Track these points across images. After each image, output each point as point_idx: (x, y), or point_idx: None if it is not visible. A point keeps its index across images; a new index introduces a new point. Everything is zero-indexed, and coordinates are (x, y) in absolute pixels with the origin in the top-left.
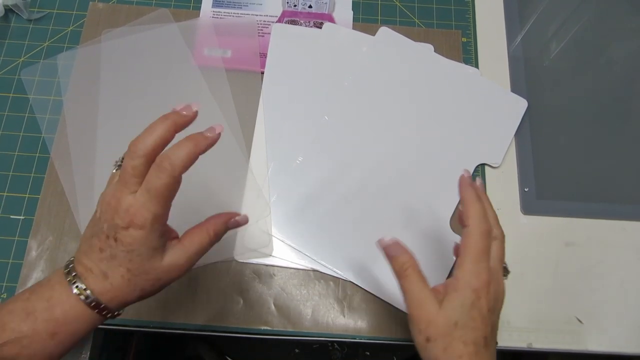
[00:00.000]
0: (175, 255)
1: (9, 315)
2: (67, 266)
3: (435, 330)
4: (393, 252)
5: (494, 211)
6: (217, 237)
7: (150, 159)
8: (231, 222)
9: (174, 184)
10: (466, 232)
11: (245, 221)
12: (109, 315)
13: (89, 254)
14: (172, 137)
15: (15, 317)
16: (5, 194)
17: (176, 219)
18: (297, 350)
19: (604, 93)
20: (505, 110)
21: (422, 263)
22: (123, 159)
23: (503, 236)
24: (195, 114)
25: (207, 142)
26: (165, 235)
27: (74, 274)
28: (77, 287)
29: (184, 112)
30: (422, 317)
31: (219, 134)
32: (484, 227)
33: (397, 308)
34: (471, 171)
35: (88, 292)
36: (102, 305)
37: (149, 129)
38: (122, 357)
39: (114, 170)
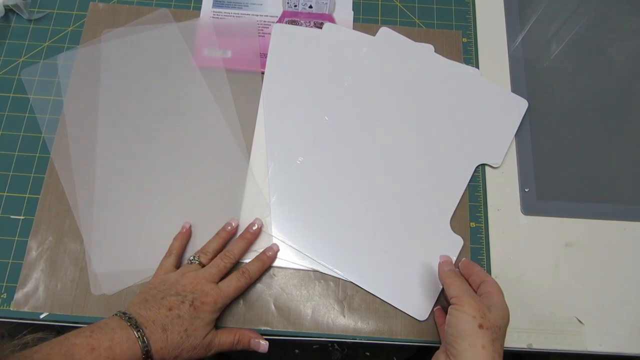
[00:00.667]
0: (209, 340)
1: (74, 347)
2: (123, 316)
3: (489, 322)
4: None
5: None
6: (237, 345)
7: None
8: (253, 343)
9: (244, 285)
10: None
11: (265, 350)
12: None
13: (152, 309)
14: None
15: (80, 349)
16: (5, 194)
17: (176, 218)
18: (297, 351)
19: (604, 93)
20: (505, 110)
21: (422, 263)
22: (195, 256)
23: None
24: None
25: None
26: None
27: (135, 322)
28: (138, 331)
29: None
30: (475, 305)
31: (277, 252)
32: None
33: (397, 309)
34: (472, 171)
35: (146, 339)
36: (150, 354)
37: (238, 241)
38: None
39: (190, 262)
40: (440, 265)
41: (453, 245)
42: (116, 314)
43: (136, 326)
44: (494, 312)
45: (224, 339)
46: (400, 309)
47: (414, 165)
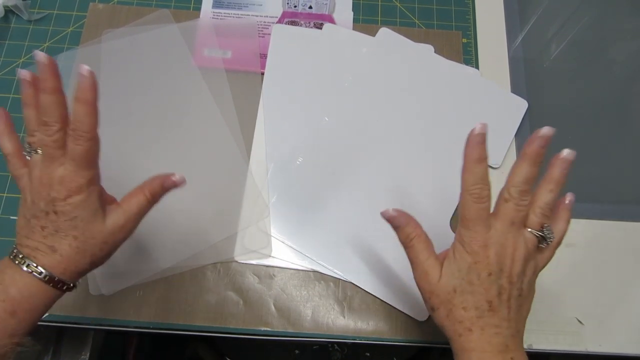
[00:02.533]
0: (115, 217)
1: None
2: (11, 252)
3: (437, 300)
4: (398, 223)
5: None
6: (154, 198)
7: (65, 127)
8: (167, 183)
9: (94, 145)
10: (460, 195)
11: (181, 181)
12: (65, 287)
13: (31, 236)
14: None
15: None
16: (5, 194)
17: (177, 219)
18: (297, 352)
19: (603, 94)
20: (505, 111)
21: None
22: (29, 144)
23: (520, 196)
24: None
25: (94, 93)
26: (103, 199)
27: (20, 256)
28: (27, 265)
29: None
30: (426, 287)
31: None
32: (475, 190)
33: (397, 309)
34: None
35: (40, 268)
36: (57, 278)
37: (54, 104)
38: (122, 357)
39: (29, 157)
40: (470, 137)
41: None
42: (8, 253)
43: (23, 260)
44: (441, 282)
45: (134, 203)
46: (400, 310)
47: (414, 166)
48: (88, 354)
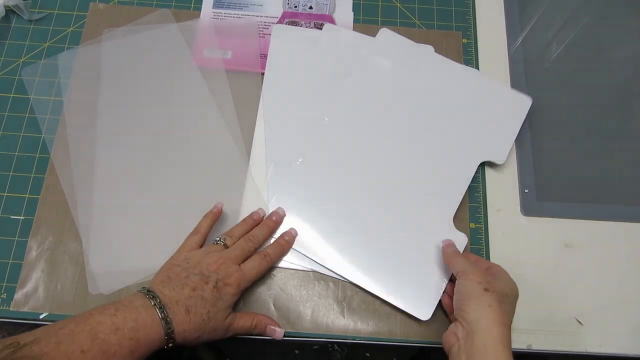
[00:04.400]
0: (233, 319)
1: (99, 325)
2: (148, 292)
3: (493, 287)
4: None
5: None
6: (255, 330)
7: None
8: (269, 329)
9: (267, 271)
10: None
11: (280, 336)
12: (168, 345)
13: (176, 289)
14: None
15: (105, 328)
16: (5, 194)
17: (175, 218)
18: (297, 352)
19: (604, 94)
20: (508, 107)
21: (425, 262)
22: (224, 239)
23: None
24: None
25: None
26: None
27: (158, 300)
28: (162, 312)
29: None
30: (480, 272)
31: (294, 236)
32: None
33: (397, 309)
34: (474, 169)
35: (169, 319)
36: (173, 335)
37: (262, 227)
38: None
39: (215, 243)
40: (444, 247)
41: (457, 243)
42: (141, 291)
43: (160, 306)
44: (499, 282)
45: (243, 322)
46: (403, 310)
47: (417, 164)
48: None
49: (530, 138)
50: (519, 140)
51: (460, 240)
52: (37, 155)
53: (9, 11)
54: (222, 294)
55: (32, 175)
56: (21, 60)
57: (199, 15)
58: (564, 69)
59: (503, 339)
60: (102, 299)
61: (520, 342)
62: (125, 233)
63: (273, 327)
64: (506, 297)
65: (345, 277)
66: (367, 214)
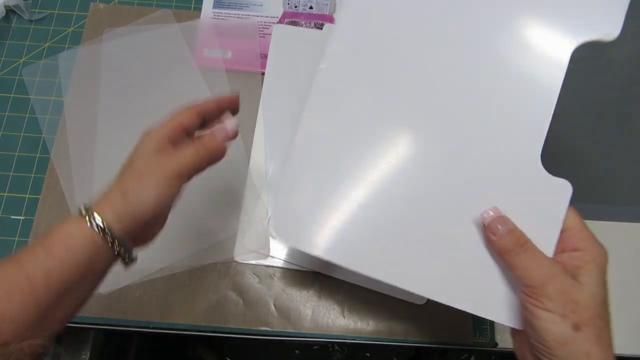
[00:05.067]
0: (168, 158)
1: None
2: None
3: (585, 314)
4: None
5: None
6: (205, 152)
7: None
8: (219, 134)
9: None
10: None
11: (233, 126)
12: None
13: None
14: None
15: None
16: (5, 194)
17: (174, 218)
18: (297, 352)
19: (604, 94)
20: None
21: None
22: None
23: None
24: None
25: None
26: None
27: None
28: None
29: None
30: (562, 295)
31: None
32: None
33: (397, 309)
34: (571, 52)
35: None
36: (110, 230)
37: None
38: (122, 357)
39: None
40: (488, 228)
41: (554, 195)
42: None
43: (86, 210)
44: (586, 291)
45: (184, 155)
46: (403, 299)
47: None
48: (88, 354)
49: None
50: None
51: (562, 190)
52: (38, 155)
53: (10, 11)
54: (135, 151)
55: (33, 175)
56: (21, 60)
57: (199, 15)
58: None
59: None
60: (102, 299)
61: None
62: None
63: (221, 128)
64: (601, 317)
65: (345, 278)
66: (370, 209)
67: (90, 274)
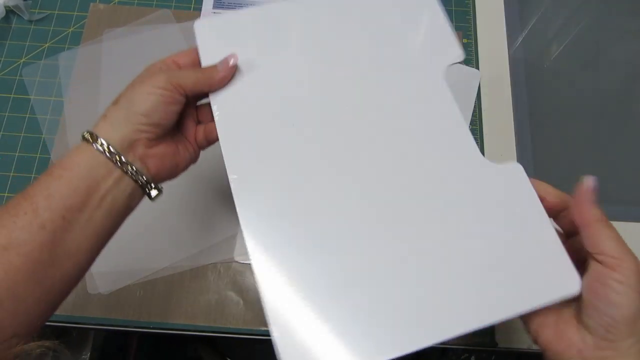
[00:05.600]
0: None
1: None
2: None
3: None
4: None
5: None
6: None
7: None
8: (220, 65)
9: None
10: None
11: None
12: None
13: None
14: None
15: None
16: (6, 194)
17: (174, 218)
18: None
19: (604, 94)
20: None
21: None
22: None
23: None
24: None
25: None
26: None
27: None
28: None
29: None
30: (638, 274)
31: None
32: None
33: None
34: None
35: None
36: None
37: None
38: (122, 357)
39: None
40: (582, 194)
41: (511, 176)
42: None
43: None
44: None
45: (180, 73)
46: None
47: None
48: (88, 354)
49: (530, 138)
50: (519, 138)
51: (512, 172)
52: (38, 155)
53: (9, 11)
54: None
55: (33, 175)
56: (21, 61)
57: (199, 16)
58: (565, 68)
59: None
60: (102, 299)
61: (521, 342)
62: (124, 232)
63: (222, 60)
64: None
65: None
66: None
67: (96, 195)
